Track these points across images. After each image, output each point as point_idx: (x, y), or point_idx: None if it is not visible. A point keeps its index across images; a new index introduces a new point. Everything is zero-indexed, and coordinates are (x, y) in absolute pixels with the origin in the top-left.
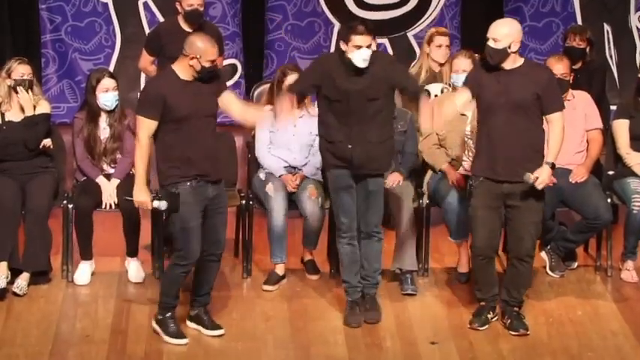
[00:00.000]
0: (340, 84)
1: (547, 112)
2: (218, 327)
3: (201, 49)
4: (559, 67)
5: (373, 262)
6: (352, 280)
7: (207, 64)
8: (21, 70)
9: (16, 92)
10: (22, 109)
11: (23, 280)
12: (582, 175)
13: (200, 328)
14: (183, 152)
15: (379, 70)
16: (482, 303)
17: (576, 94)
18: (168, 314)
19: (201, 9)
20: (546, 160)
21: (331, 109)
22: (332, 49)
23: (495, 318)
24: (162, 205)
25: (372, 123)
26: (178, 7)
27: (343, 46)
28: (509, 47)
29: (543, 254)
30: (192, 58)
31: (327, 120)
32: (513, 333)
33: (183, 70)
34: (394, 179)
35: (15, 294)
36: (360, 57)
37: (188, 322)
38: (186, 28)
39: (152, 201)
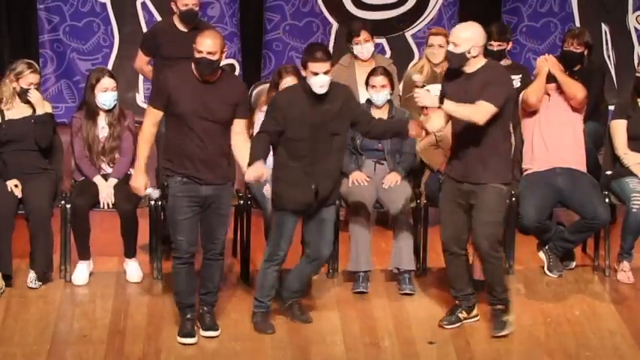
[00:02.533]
0: (304, 119)
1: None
2: (212, 328)
3: (198, 41)
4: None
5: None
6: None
7: (199, 55)
8: (31, 79)
9: (24, 95)
10: (28, 107)
11: (33, 274)
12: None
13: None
14: (179, 148)
15: (341, 105)
16: (457, 302)
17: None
18: (184, 313)
19: (197, 9)
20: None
21: (294, 149)
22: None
23: (475, 318)
24: (154, 193)
25: (334, 158)
26: (174, 7)
27: (303, 72)
28: (469, 52)
29: (541, 254)
30: (194, 51)
31: (287, 162)
32: (492, 334)
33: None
34: (392, 179)
35: (31, 288)
36: (317, 83)
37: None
38: (181, 28)
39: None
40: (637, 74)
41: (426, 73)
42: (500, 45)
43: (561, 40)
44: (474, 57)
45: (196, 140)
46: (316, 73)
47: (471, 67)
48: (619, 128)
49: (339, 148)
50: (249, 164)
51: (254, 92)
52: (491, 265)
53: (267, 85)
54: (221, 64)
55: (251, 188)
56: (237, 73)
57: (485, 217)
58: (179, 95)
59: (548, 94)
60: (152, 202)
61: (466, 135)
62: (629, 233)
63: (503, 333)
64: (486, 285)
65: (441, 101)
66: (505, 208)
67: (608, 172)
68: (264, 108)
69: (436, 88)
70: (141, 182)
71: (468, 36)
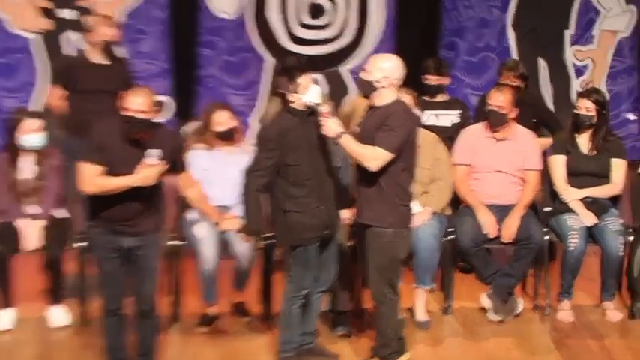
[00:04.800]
0: (300, 141)
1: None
2: None
3: (127, 99)
4: (495, 98)
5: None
6: (295, 338)
7: (128, 113)
8: None
9: None
10: None
11: None
12: (514, 228)
13: None
14: (100, 197)
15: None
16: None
17: (519, 131)
18: None
19: (114, 40)
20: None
21: (297, 176)
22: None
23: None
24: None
25: (330, 176)
26: (89, 39)
27: (290, 96)
28: (378, 81)
29: (484, 298)
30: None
31: (292, 192)
32: None
33: None
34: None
35: None
36: (316, 92)
37: None
38: (97, 60)
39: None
40: (574, 110)
41: (361, 110)
42: (437, 79)
43: (498, 75)
44: (384, 88)
45: (120, 193)
46: (309, 84)
47: (378, 100)
48: (558, 164)
49: (335, 167)
50: (252, 225)
51: (186, 131)
52: (377, 310)
53: (198, 122)
54: (154, 114)
55: (182, 228)
56: (170, 110)
57: (369, 260)
58: (109, 150)
59: (495, 139)
60: (80, 245)
61: (359, 172)
62: (567, 272)
63: None
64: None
65: (340, 135)
66: (393, 252)
67: (547, 209)
68: (198, 146)
69: None
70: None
71: (382, 65)
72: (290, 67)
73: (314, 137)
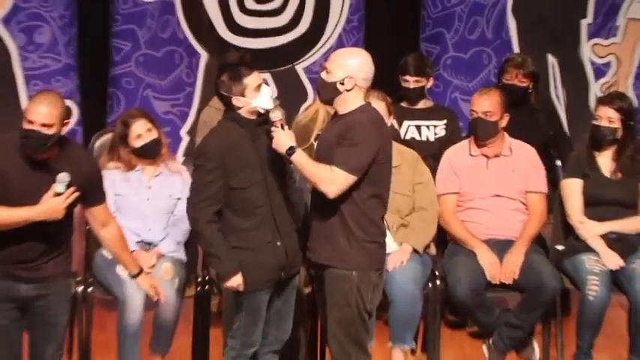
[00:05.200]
0: (251, 157)
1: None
2: None
3: (29, 108)
4: (480, 103)
5: None
6: None
7: (29, 126)
8: None
9: None
10: None
11: None
12: (517, 266)
13: None
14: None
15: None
16: None
17: (516, 146)
18: None
19: None
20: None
21: (245, 203)
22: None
23: None
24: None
25: (289, 201)
26: None
27: (236, 100)
28: (342, 82)
29: (484, 348)
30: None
31: (237, 224)
32: None
33: None
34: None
35: None
36: (268, 95)
37: None
38: None
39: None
40: (594, 121)
41: (322, 119)
42: (417, 81)
43: (496, 75)
44: (347, 91)
45: (19, 229)
46: (259, 86)
47: (341, 106)
48: (573, 190)
49: (294, 188)
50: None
51: (96, 144)
52: None
53: (111, 135)
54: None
55: (95, 270)
56: (74, 118)
57: (329, 311)
58: (4, 175)
59: (486, 156)
60: None
61: (315, 197)
62: (585, 327)
63: None
64: None
65: (291, 150)
66: (360, 301)
67: (559, 247)
68: (110, 166)
69: None
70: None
71: (345, 63)
72: (233, 63)
73: (266, 152)
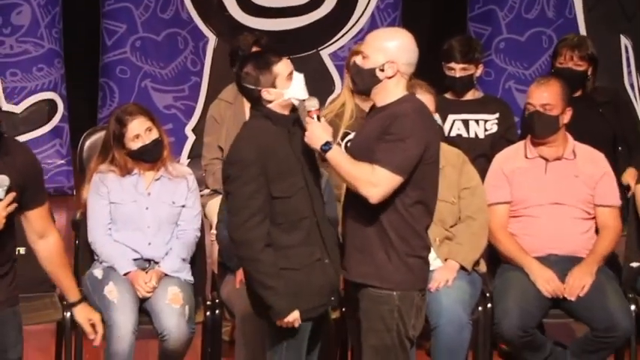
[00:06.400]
0: (292, 160)
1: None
2: None
3: None
4: (538, 95)
5: None
6: None
7: None
8: None
9: None
10: None
11: None
12: (584, 283)
13: None
14: None
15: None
16: None
17: (580, 150)
18: None
19: None
20: None
21: (289, 214)
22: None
23: None
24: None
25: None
26: None
27: (267, 93)
28: (381, 68)
29: None
30: None
31: (282, 242)
32: None
33: None
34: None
35: None
36: (302, 84)
37: None
38: None
39: None
40: None
41: (350, 115)
42: (464, 69)
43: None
44: (389, 78)
45: None
46: (290, 73)
47: (380, 97)
48: None
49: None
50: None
51: (86, 144)
52: None
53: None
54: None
55: (84, 290)
56: (59, 113)
57: (363, 338)
58: None
59: (545, 158)
60: None
61: (349, 204)
62: None
63: None
64: None
65: (327, 145)
66: (400, 326)
67: (634, 265)
68: (103, 169)
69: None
70: None
71: (385, 45)
72: (260, 49)
73: (304, 153)
